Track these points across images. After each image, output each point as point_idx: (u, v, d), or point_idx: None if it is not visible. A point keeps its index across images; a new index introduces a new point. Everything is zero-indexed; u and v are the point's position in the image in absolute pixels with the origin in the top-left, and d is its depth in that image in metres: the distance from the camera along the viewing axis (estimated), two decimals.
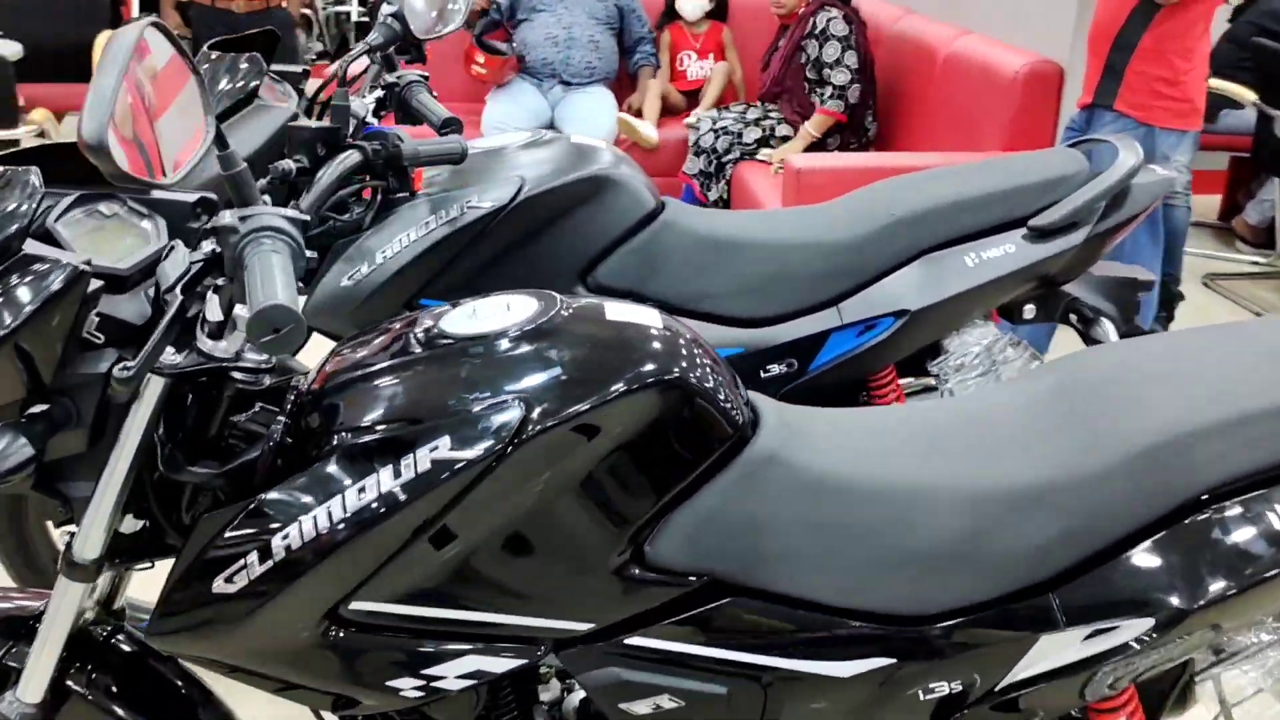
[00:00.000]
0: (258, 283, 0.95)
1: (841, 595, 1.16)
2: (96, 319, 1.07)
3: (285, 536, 1.07)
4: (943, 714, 1.18)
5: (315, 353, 1.26)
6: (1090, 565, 1.16)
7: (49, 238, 1.08)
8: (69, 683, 1.23)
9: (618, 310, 1.19)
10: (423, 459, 1.06)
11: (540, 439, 1.07)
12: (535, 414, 1.07)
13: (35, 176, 1.08)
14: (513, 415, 1.07)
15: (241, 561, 1.08)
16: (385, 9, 2.03)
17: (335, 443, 1.09)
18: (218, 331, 1.08)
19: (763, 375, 1.94)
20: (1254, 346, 1.32)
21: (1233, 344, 1.34)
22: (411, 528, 1.07)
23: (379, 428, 1.09)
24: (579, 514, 1.11)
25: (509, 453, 1.06)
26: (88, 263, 1.02)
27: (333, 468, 1.08)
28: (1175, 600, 1.13)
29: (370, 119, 1.94)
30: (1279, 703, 1.43)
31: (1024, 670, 1.17)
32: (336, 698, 1.16)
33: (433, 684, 1.13)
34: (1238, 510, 1.16)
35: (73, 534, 1.13)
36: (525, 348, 1.12)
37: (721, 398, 1.15)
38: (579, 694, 1.27)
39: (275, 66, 1.93)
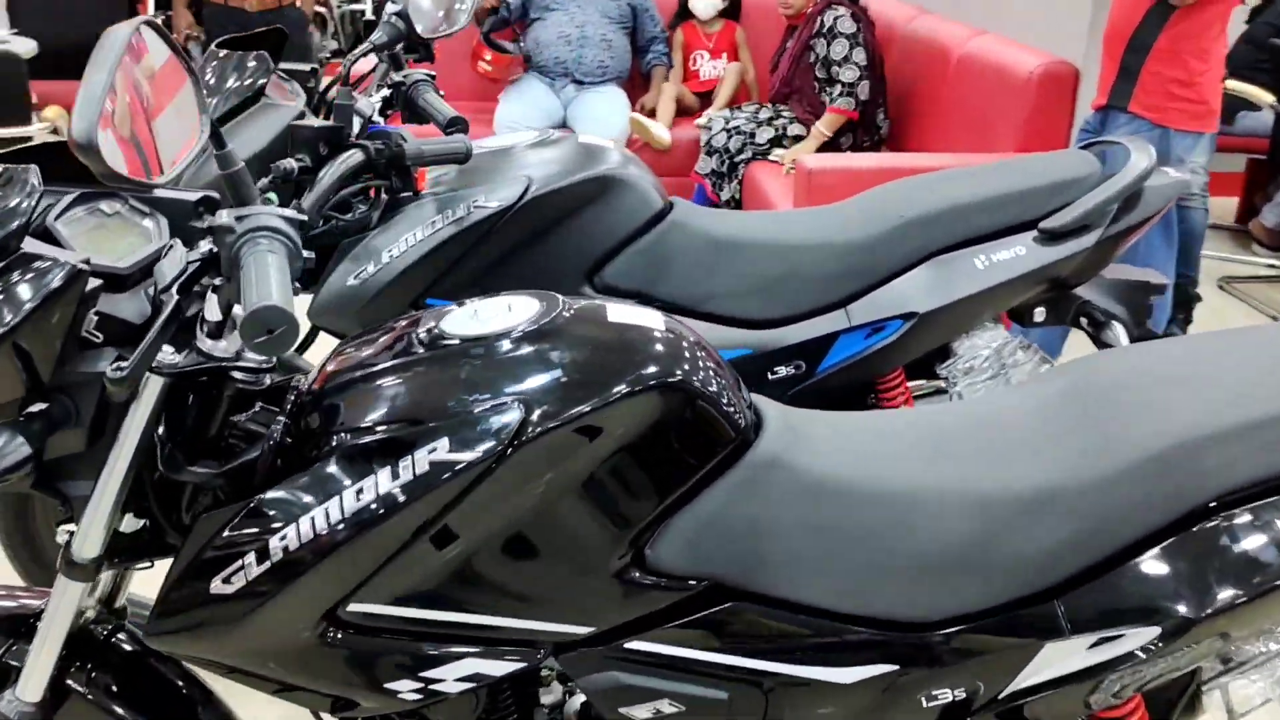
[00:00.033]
0: (252, 283, 0.95)
1: (844, 600, 1.14)
2: (95, 318, 1.06)
3: (283, 537, 1.06)
4: None
5: (322, 352, 1.26)
6: (1097, 572, 1.14)
7: (49, 236, 1.07)
8: (69, 681, 1.23)
9: (620, 312, 1.19)
10: (421, 461, 1.05)
11: (540, 441, 1.06)
12: (535, 416, 1.06)
13: (34, 175, 1.08)
14: (512, 417, 1.06)
15: (239, 562, 1.07)
16: (389, 8, 2.03)
17: (334, 443, 1.09)
18: (217, 331, 1.08)
19: (770, 377, 1.93)
20: (1269, 351, 1.30)
21: (1247, 349, 1.32)
22: (410, 529, 1.06)
23: (378, 429, 1.09)
24: (579, 517, 1.10)
25: (508, 454, 1.05)
26: (86, 261, 1.02)
27: (331, 468, 1.08)
28: (1182, 609, 1.12)
29: (376, 118, 1.93)
30: None
31: (1028, 678, 1.15)
32: (335, 699, 1.15)
33: (431, 686, 1.12)
34: (1248, 518, 1.15)
35: (72, 533, 1.13)
36: (526, 349, 1.11)
37: (724, 401, 1.14)
38: (580, 697, 1.27)
39: (284, 65, 1.93)
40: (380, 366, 1.14)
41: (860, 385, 2.00)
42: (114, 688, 1.25)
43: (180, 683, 1.28)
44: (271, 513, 1.07)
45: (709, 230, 1.98)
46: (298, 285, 1.01)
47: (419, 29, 2.04)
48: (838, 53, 4.06)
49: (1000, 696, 1.16)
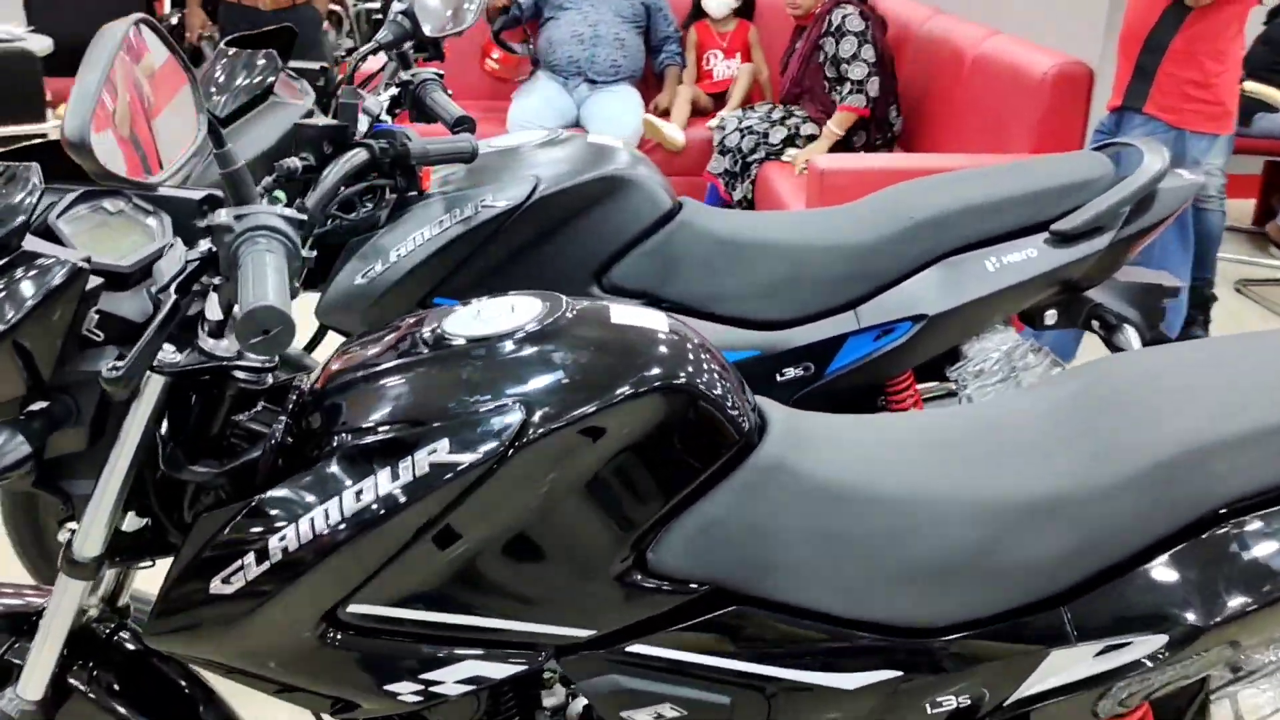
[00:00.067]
0: (249, 283, 0.95)
1: (848, 605, 1.13)
2: (97, 316, 1.06)
3: (283, 538, 1.06)
4: None
5: (329, 350, 1.26)
6: (1104, 579, 1.13)
7: (50, 234, 1.07)
8: (70, 680, 1.23)
9: (623, 313, 1.18)
10: (421, 461, 1.05)
11: (541, 442, 1.05)
12: (536, 417, 1.05)
13: (36, 173, 1.08)
14: (513, 418, 1.05)
15: (239, 562, 1.07)
16: (395, 6, 2.02)
17: (335, 443, 1.09)
18: (218, 330, 1.08)
19: (779, 379, 1.92)
20: None
21: (1262, 353, 1.30)
22: (410, 530, 1.06)
23: (379, 429, 1.08)
24: (581, 519, 1.09)
25: (509, 456, 1.05)
26: (88, 260, 1.02)
27: (332, 469, 1.07)
28: (1190, 616, 1.10)
29: (384, 116, 1.93)
30: None
31: (1034, 685, 1.14)
32: (335, 700, 1.15)
33: (432, 688, 1.12)
34: (1258, 525, 1.13)
35: (73, 531, 1.13)
36: (528, 350, 1.11)
37: (728, 403, 1.13)
38: (582, 701, 1.26)
39: (293, 63, 1.92)
40: (382, 367, 1.13)
41: (869, 388, 1.99)
42: (115, 686, 1.25)
43: (182, 682, 1.28)
44: (271, 513, 1.07)
45: (717, 231, 1.97)
46: (298, 285, 1.00)
47: (426, 28, 2.03)
48: (846, 50, 4.05)
49: (1006, 704, 1.15)
